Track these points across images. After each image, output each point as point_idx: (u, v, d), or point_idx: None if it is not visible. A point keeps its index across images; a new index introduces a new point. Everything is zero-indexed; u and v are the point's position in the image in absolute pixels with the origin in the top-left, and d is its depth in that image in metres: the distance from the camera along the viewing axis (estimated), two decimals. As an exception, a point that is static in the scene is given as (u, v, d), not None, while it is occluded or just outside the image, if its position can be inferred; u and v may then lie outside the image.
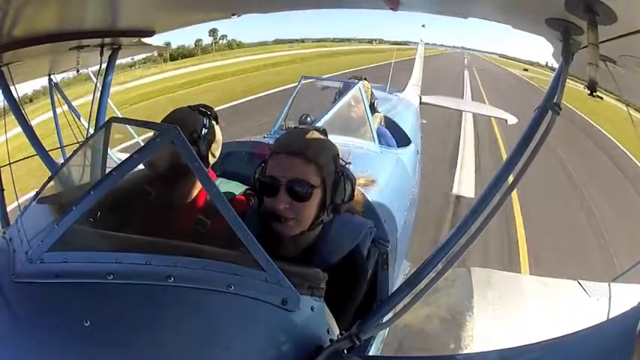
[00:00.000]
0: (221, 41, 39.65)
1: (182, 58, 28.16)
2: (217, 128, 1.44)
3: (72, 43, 1.86)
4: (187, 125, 1.32)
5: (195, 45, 34.23)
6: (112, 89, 2.39)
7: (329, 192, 1.12)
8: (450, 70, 32.88)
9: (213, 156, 1.42)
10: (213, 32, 38.04)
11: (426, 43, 8.62)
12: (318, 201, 1.11)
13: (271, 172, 1.10)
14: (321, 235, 1.17)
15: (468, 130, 10.86)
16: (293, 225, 1.09)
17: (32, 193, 1.08)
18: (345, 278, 1.09)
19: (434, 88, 10.36)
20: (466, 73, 32.86)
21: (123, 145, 4.48)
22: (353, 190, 1.17)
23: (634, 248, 4.65)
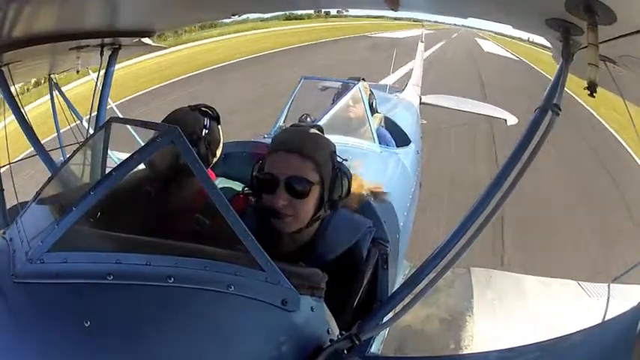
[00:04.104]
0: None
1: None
2: (218, 128, 1.43)
3: (72, 43, 1.86)
4: (188, 125, 1.32)
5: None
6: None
7: (327, 188, 1.13)
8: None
9: (214, 156, 1.41)
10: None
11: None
12: (317, 197, 1.12)
13: (269, 169, 1.11)
14: (320, 232, 1.18)
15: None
16: (291, 221, 1.10)
17: (32, 193, 1.08)
18: (342, 275, 1.09)
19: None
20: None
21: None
22: (349, 186, 1.19)
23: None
